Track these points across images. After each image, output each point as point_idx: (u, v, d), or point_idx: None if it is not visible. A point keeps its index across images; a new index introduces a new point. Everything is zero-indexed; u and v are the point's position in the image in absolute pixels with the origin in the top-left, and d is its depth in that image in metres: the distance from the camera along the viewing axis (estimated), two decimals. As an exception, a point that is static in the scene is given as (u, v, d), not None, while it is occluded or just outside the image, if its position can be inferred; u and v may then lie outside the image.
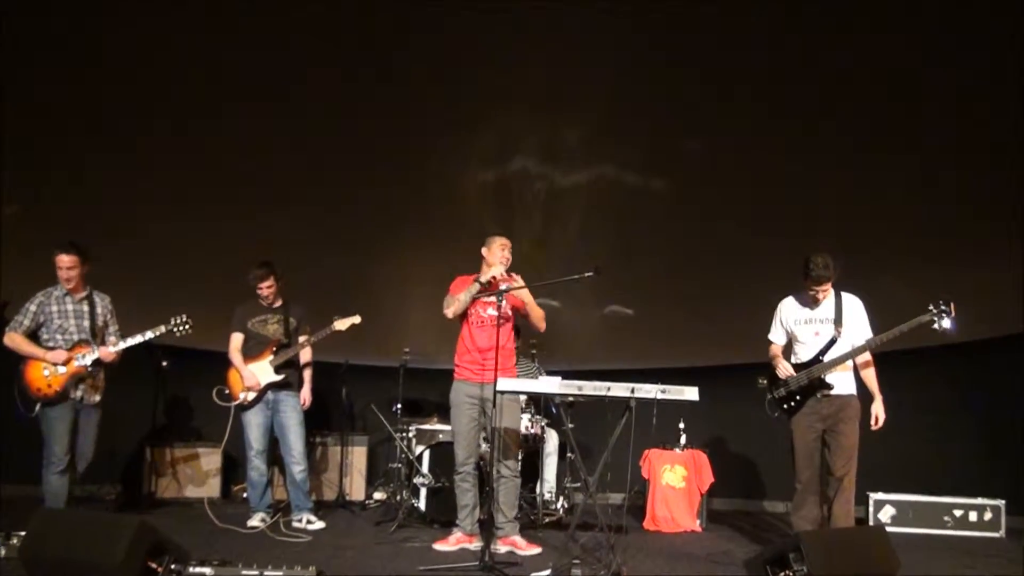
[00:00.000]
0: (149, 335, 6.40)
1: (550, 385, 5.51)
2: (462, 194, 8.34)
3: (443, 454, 7.15)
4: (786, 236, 7.79)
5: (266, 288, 6.90)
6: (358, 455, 8.56)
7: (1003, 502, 7.46)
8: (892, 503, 7.60)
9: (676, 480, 7.46)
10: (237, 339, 6.93)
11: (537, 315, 6.15)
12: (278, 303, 7.02)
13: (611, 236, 8.32)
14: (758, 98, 7.40)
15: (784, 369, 5.93)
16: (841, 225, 7.82)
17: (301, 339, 6.98)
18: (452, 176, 8.24)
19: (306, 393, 7.00)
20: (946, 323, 5.51)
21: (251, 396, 6.81)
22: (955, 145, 7.24)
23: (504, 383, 5.57)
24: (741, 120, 7.56)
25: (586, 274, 5.78)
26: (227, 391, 6.88)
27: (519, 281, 6.09)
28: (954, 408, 8.26)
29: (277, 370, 6.84)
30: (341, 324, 6.87)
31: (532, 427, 7.46)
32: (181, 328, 6.48)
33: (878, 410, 5.82)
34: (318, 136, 7.83)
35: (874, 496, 7.59)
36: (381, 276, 8.61)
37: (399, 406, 7.97)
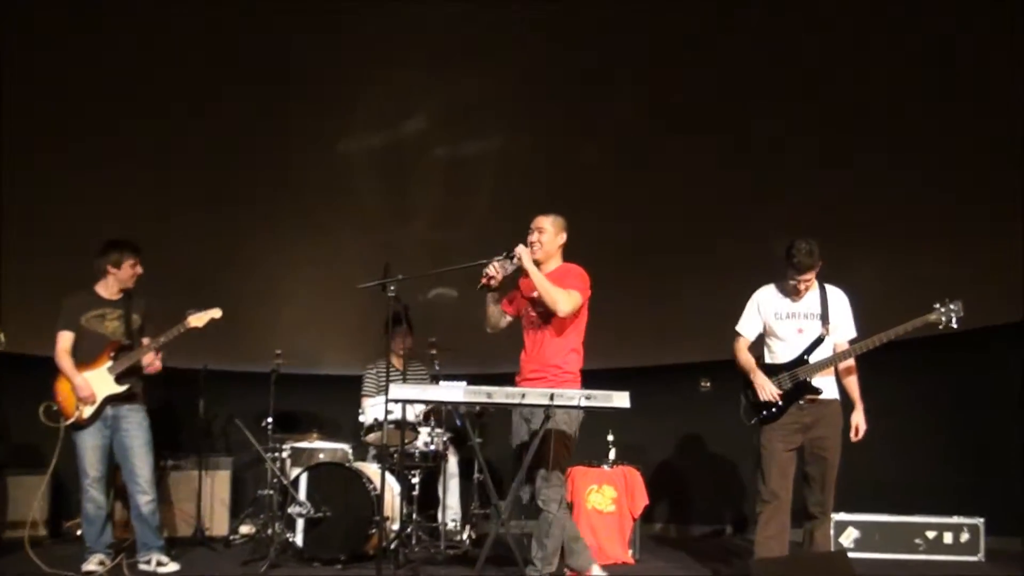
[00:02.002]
0: None
1: (453, 393, 5.49)
2: (342, 164, 8.28)
3: (323, 478, 7.11)
4: (739, 218, 7.89)
5: (130, 268, 6.73)
6: (220, 481, 8.49)
7: (982, 520, 7.66)
8: (855, 524, 7.78)
9: (604, 503, 7.52)
10: (66, 339, 6.68)
11: (550, 299, 5.81)
12: (118, 295, 6.87)
13: (528, 212, 8.33)
14: (723, 49, 7.47)
15: (767, 390, 5.91)
16: (804, 207, 7.95)
17: (145, 341, 6.83)
18: (329, 143, 8.17)
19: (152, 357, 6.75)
20: (954, 324, 5.72)
21: (88, 412, 6.60)
22: (937, 122, 7.46)
23: (397, 391, 5.55)
24: (700, 78, 7.65)
25: (497, 258, 5.79)
26: (56, 407, 6.67)
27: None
28: (920, 411, 8.45)
29: (119, 379, 6.66)
30: (197, 319, 6.68)
31: (432, 444, 7.46)
32: None
33: (858, 420, 5.95)
34: (159, 99, 7.69)
35: (835, 517, 7.73)
36: (244, 263, 8.51)
37: (270, 420, 7.87)
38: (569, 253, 7.58)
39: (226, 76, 7.55)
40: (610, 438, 7.72)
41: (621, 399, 5.33)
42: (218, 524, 8.38)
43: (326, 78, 7.70)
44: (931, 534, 7.71)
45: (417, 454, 7.62)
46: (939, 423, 8.42)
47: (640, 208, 8.33)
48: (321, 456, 7.67)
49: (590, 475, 7.58)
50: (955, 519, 7.71)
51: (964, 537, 7.67)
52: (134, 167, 7.84)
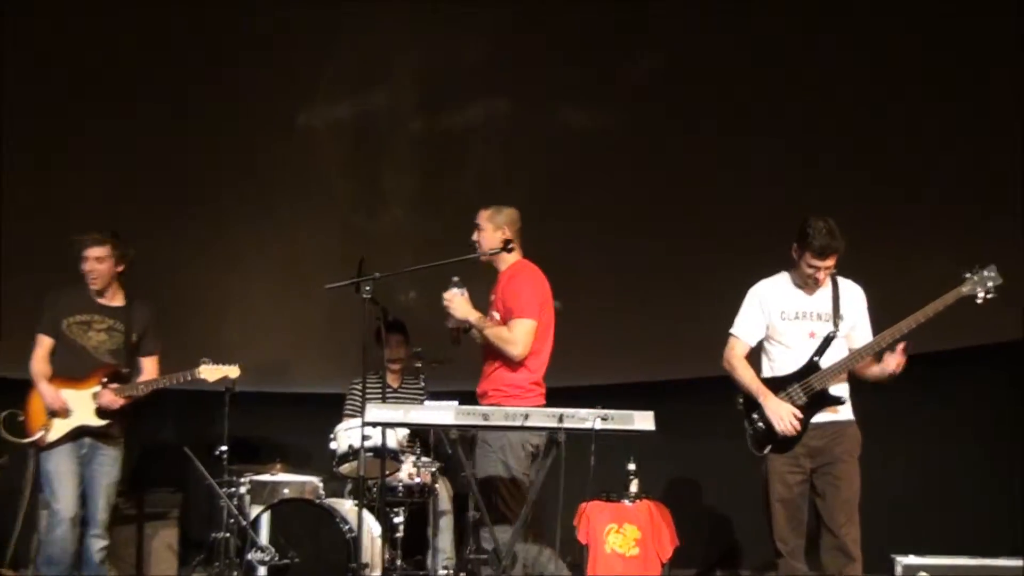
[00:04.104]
0: None
1: (442, 415, 5.44)
2: (304, 141, 8.28)
3: (289, 517, 7.07)
4: (777, 201, 7.86)
5: (93, 260, 6.56)
6: (166, 522, 8.49)
7: (1078, 564, 7.62)
8: (927, 568, 7.67)
9: (626, 545, 7.46)
10: (44, 344, 6.65)
11: (501, 347, 6.03)
12: (116, 299, 6.77)
13: (521, 197, 8.30)
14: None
15: (786, 421, 5.68)
16: (836, 193, 7.96)
17: (144, 377, 6.76)
18: (289, 117, 8.17)
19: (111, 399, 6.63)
20: (990, 295, 5.53)
21: (52, 436, 6.53)
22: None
23: (374, 412, 5.48)
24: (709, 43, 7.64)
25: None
26: (21, 417, 6.62)
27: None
28: (1008, 433, 8.39)
29: (100, 412, 6.59)
30: (210, 373, 6.81)
31: (418, 475, 7.40)
32: None
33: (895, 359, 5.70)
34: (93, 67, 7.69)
35: (903, 560, 7.58)
36: (189, 262, 8.55)
37: (224, 449, 7.79)
38: (571, 254, 7.59)
39: (162, 43, 7.55)
40: (631, 467, 7.66)
41: (644, 420, 5.29)
42: (165, 573, 8.33)
43: (279, 42, 7.70)
44: (1020, 581, 7.62)
45: (400, 488, 7.55)
46: (999, 450, 8.32)
47: (650, 193, 8.34)
48: (286, 491, 7.63)
49: (608, 512, 7.54)
50: (1049, 561, 7.62)
51: (1061, 582, 7.58)
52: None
